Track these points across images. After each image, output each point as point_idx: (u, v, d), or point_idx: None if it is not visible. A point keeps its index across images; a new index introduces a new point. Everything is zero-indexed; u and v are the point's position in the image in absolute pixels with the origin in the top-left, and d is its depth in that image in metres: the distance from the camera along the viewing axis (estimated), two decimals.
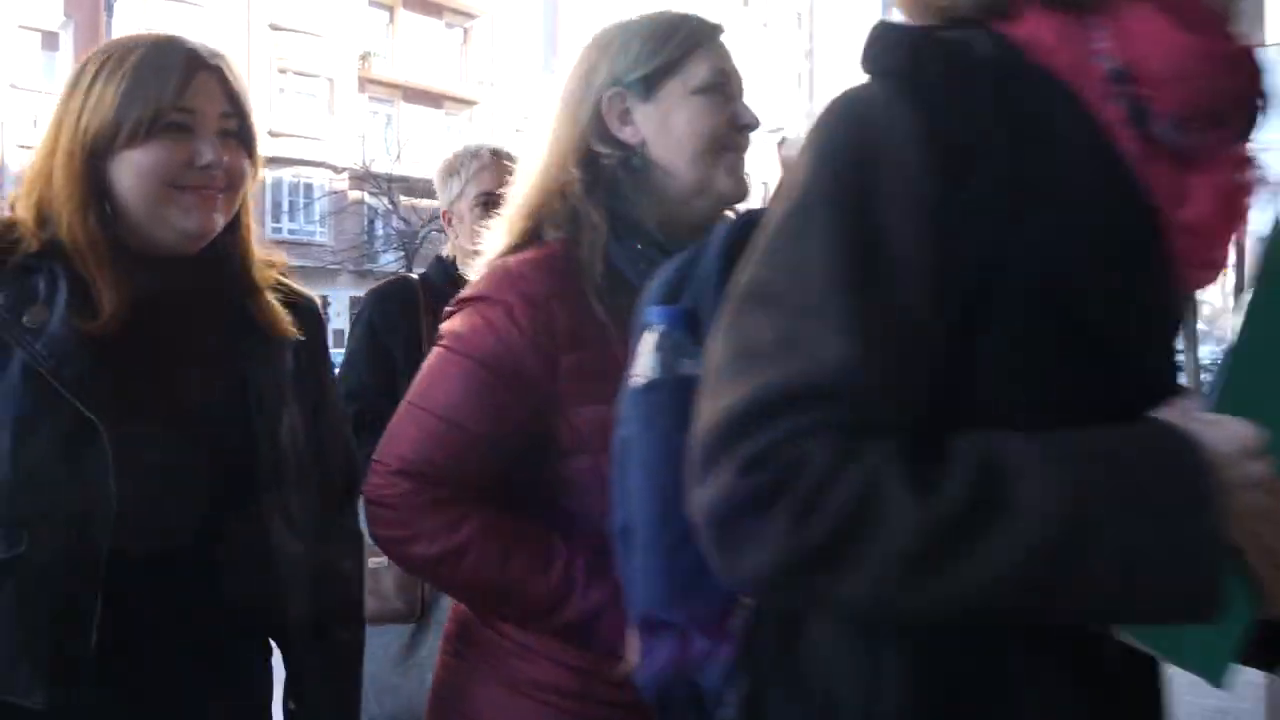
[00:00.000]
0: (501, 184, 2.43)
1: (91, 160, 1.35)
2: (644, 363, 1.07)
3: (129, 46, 1.39)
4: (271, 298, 1.53)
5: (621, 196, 1.46)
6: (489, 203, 2.38)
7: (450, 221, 2.55)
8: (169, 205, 1.37)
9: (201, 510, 1.39)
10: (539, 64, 35.61)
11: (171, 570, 1.36)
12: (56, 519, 1.29)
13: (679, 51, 1.48)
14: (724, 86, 1.49)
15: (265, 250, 1.56)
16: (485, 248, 1.56)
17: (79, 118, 1.36)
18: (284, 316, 1.52)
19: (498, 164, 2.49)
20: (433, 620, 2.21)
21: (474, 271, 1.55)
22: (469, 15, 33.37)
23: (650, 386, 1.06)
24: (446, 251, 2.58)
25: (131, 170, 1.36)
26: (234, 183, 1.43)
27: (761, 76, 50.40)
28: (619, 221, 1.45)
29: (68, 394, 1.29)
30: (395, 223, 26.81)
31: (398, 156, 26.91)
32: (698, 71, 1.48)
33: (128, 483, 1.31)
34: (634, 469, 1.08)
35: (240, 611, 1.43)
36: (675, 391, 1.02)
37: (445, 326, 1.49)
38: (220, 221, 1.43)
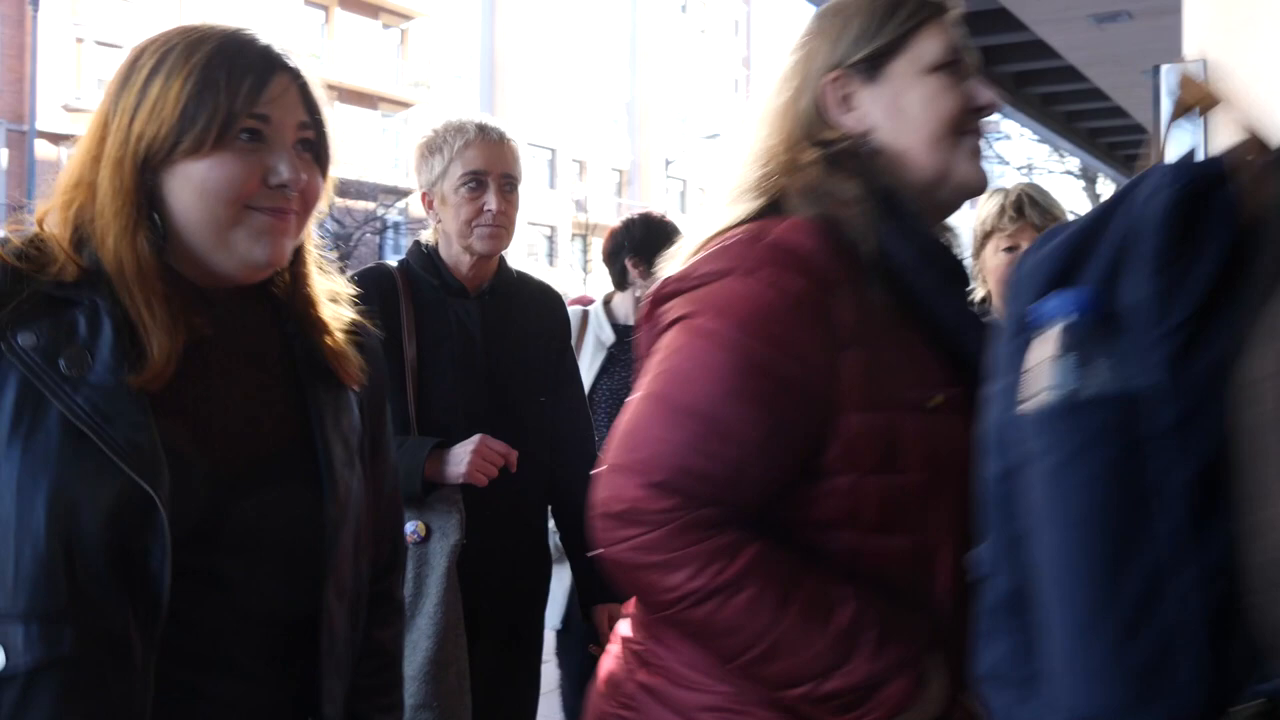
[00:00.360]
0: (491, 163, 2.21)
1: (144, 171, 1.13)
2: (1049, 372, 0.80)
3: (195, 39, 1.16)
4: (341, 338, 1.29)
5: (873, 172, 1.27)
6: (479, 184, 2.21)
7: (431, 205, 2.28)
8: (235, 229, 1.15)
9: (261, 586, 1.18)
10: (476, 67, 35.40)
11: (224, 653, 1.17)
12: (106, 612, 1.05)
13: (906, 27, 1.31)
14: (957, 64, 1.32)
15: (327, 279, 1.32)
16: (691, 234, 1.34)
17: (131, 119, 1.13)
18: (354, 361, 1.29)
19: (485, 140, 2.24)
20: (419, 614, 2.10)
21: (682, 259, 1.30)
22: (406, 16, 33.11)
23: (1074, 407, 0.78)
24: (427, 238, 2.37)
25: (193, 186, 1.14)
26: (308, 205, 1.22)
27: (699, 82, 50.60)
28: (881, 197, 1.25)
29: (118, 460, 1.06)
30: (329, 225, 26.49)
31: None
32: (929, 48, 1.30)
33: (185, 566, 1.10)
34: (1048, 518, 0.79)
35: (287, 700, 1.22)
36: (1116, 413, 0.76)
37: (689, 301, 1.23)
38: (290, 250, 1.22)
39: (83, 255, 1.12)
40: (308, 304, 1.27)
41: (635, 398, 1.21)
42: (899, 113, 1.30)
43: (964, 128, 1.31)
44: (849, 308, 1.18)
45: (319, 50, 30.06)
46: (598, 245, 3.62)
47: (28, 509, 1.04)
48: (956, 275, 1.30)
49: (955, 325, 1.24)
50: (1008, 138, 26.34)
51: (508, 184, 2.25)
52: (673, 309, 1.24)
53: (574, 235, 40.83)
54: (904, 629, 1.16)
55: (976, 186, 1.33)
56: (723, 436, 1.14)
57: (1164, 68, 2.87)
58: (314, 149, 1.22)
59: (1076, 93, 10.22)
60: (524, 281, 2.43)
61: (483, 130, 2.25)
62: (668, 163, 46.63)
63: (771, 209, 1.27)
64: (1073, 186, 27.16)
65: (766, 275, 1.18)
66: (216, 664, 1.16)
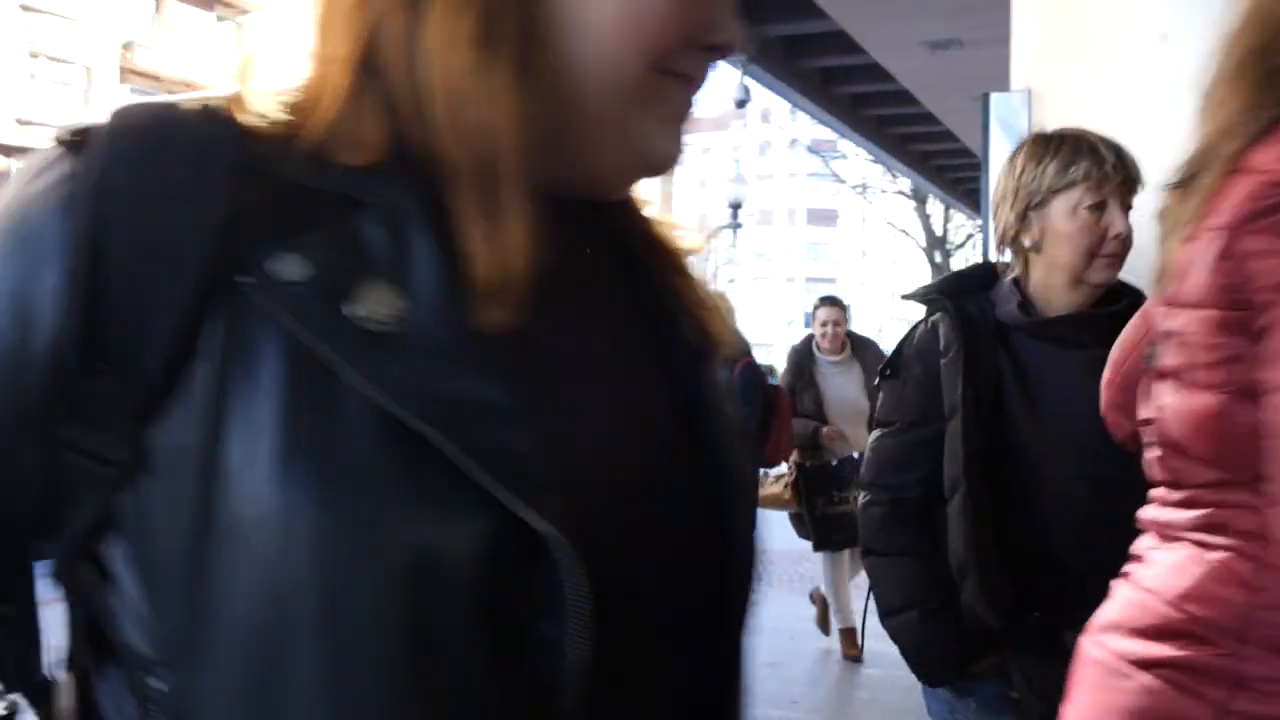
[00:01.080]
0: None
1: None
2: None
3: None
4: (703, 289, 0.80)
5: None
6: None
7: None
8: (642, 103, 0.64)
9: (676, 674, 0.69)
10: None
11: None
12: None
13: None
14: None
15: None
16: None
17: None
18: (724, 323, 0.80)
19: None
20: None
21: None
22: (242, 10, 32.19)
23: None
24: None
25: (602, 10, 0.61)
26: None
27: None
28: None
29: (488, 478, 0.54)
30: None
31: None
32: None
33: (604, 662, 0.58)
34: None
35: None
36: None
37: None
38: None
39: (384, 128, 0.60)
40: (652, 234, 0.78)
41: None
42: None
43: None
44: None
45: (148, 39, 28.96)
46: None
47: (338, 574, 0.53)
48: None
49: None
50: (844, 157, 27.19)
51: None
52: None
53: None
54: None
55: None
56: None
57: (992, 95, 3.09)
58: None
59: (910, 116, 10.62)
60: None
61: None
62: None
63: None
64: (904, 206, 28.21)
65: None
66: None
